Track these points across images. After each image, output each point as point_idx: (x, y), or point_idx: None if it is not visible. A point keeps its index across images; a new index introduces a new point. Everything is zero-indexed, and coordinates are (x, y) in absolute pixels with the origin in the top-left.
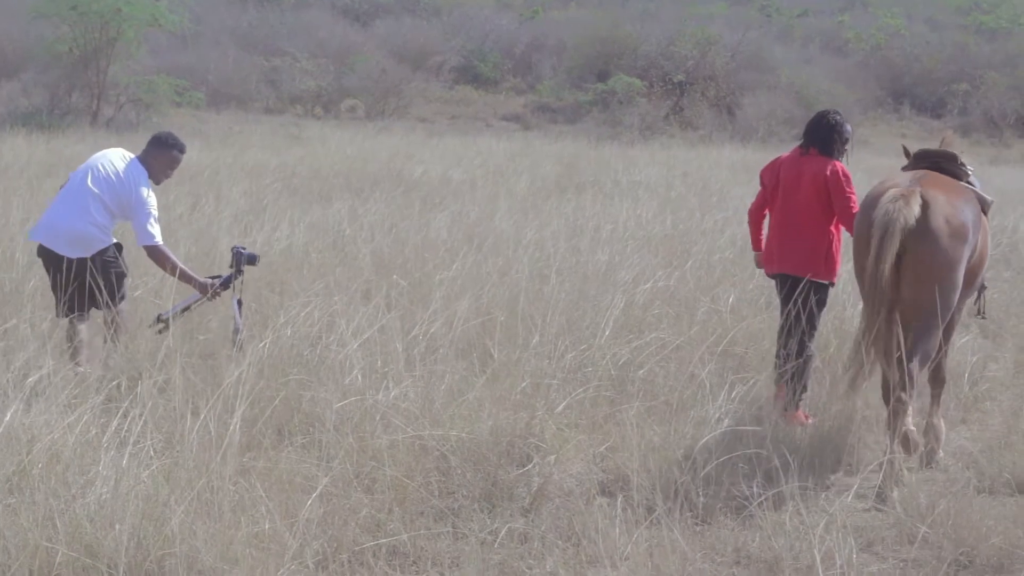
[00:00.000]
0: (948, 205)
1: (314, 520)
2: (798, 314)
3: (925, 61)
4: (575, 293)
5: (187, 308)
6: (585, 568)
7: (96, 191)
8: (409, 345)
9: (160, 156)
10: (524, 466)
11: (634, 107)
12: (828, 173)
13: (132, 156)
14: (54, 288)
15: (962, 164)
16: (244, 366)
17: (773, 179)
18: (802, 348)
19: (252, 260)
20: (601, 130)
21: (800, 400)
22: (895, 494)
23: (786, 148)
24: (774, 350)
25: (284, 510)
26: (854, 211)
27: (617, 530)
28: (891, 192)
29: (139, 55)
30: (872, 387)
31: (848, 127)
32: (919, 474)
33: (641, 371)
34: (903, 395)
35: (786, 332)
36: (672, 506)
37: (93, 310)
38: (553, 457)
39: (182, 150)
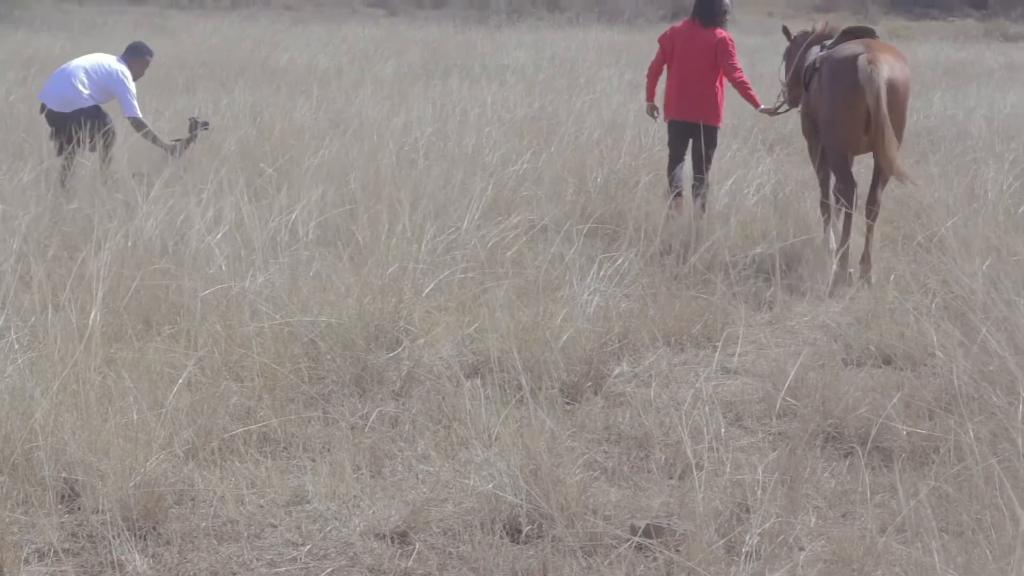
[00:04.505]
0: (898, 64)
1: (183, 409)
2: (697, 151)
3: None
4: (442, 178)
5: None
6: (456, 449)
7: (84, 67)
8: (273, 233)
9: (135, 61)
10: (393, 350)
11: None
12: (717, 40)
13: (115, 56)
14: (51, 136)
15: (876, 36)
16: (104, 257)
17: (670, 44)
18: (702, 178)
19: (205, 126)
20: (468, 14)
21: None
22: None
23: (652, 29)
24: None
25: (152, 400)
26: (737, 70)
27: (486, 411)
28: (863, 58)
29: None
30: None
31: (727, 1)
32: (787, 349)
33: (509, 253)
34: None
35: (679, 165)
36: (540, 386)
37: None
38: (422, 340)
39: (151, 55)
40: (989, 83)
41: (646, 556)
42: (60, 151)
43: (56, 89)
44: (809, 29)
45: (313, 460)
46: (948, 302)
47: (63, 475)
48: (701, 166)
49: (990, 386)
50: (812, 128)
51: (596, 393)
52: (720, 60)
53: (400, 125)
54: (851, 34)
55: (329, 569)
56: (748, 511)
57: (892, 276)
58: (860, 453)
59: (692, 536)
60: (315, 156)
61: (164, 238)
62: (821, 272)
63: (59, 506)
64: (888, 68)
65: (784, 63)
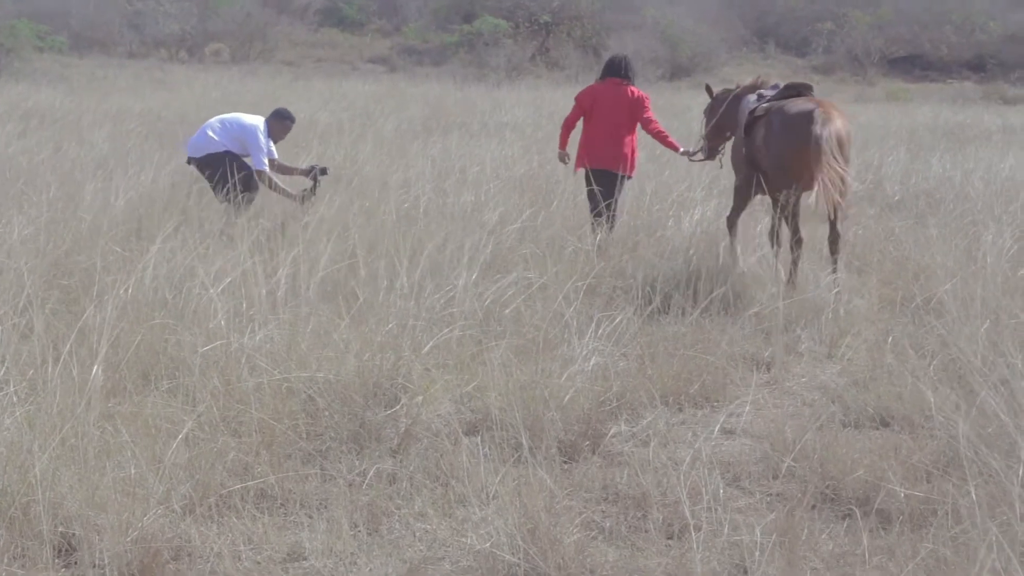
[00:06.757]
0: (843, 118)
1: (181, 464)
2: (610, 195)
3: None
4: (441, 235)
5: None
6: (453, 507)
7: (222, 119)
8: (273, 288)
9: (277, 124)
10: (391, 407)
11: (500, 48)
12: (636, 96)
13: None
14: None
15: (813, 91)
16: (107, 310)
17: (590, 101)
18: (615, 217)
19: (325, 172)
20: (467, 71)
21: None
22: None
23: (651, 88)
24: (631, 284)
25: (150, 455)
26: (654, 123)
27: (484, 469)
28: (818, 111)
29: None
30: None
31: (633, 64)
32: (785, 410)
33: (507, 311)
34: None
35: (598, 209)
36: (539, 444)
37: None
38: (420, 398)
39: (293, 121)
40: (988, 145)
41: None
42: (218, 196)
43: (193, 138)
44: (733, 87)
45: (310, 517)
46: (947, 364)
47: (60, 529)
48: (611, 203)
49: (988, 449)
50: (748, 170)
51: (594, 452)
52: (638, 115)
53: (400, 182)
54: (792, 89)
55: None
56: (746, 573)
57: (890, 338)
58: (858, 515)
59: None
60: (315, 212)
61: (164, 292)
62: (819, 333)
63: (56, 560)
64: (838, 122)
65: (704, 118)
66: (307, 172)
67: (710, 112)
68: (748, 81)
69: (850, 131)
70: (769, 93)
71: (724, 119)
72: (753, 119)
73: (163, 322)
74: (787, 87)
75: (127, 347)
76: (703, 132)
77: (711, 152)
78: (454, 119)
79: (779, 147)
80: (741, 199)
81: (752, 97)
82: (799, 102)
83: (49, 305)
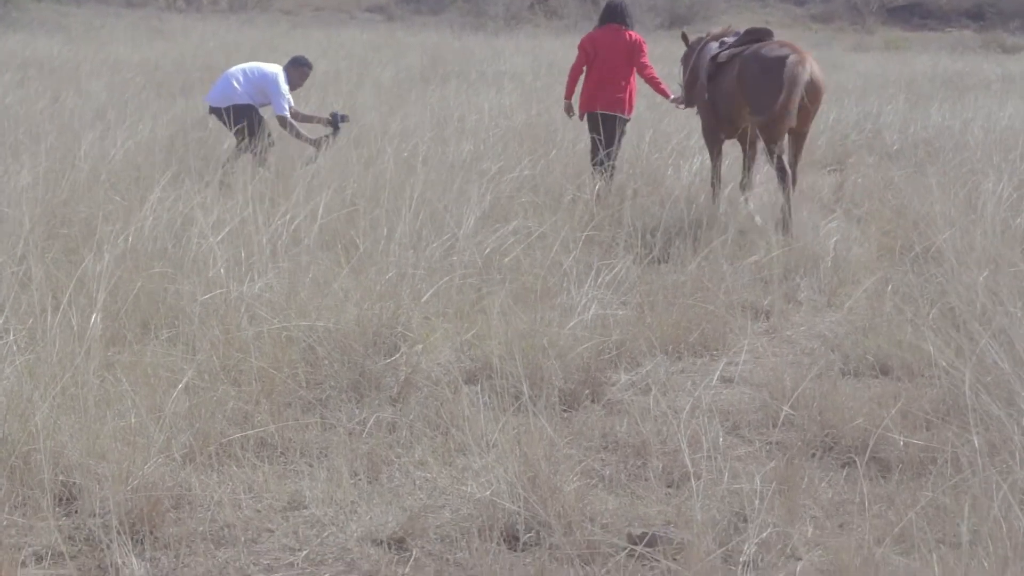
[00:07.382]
0: (817, 64)
1: (181, 413)
2: (610, 138)
3: None
4: (440, 184)
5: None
6: (454, 456)
7: (243, 68)
8: (273, 237)
9: (295, 70)
10: (391, 356)
11: None
12: (633, 41)
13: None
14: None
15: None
16: (106, 260)
17: (592, 47)
18: (613, 166)
19: (345, 119)
20: (465, 21)
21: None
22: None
23: (649, 36)
24: (631, 233)
25: (150, 404)
26: (648, 68)
27: (484, 418)
28: (792, 57)
29: None
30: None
31: (631, 8)
32: (784, 358)
33: (507, 259)
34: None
35: (599, 158)
36: (539, 393)
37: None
38: (420, 346)
39: (310, 67)
40: (987, 94)
41: (643, 565)
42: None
43: (215, 88)
44: (704, 35)
45: (310, 465)
46: (946, 313)
47: (61, 478)
48: (611, 152)
49: (988, 397)
50: (711, 115)
51: (594, 401)
52: (635, 58)
53: (398, 131)
54: (752, 34)
55: (326, 575)
56: (745, 520)
57: (890, 286)
58: (858, 463)
59: (689, 545)
60: (312, 161)
61: (164, 241)
62: (818, 282)
63: (57, 509)
64: (813, 67)
65: (681, 67)
66: (326, 120)
67: (685, 60)
68: (717, 30)
69: (824, 78)
70: (731, 40)
71: (695, 67)
72: (716, 65)
73: (162, 271)
74: (747, 32)
75: (126, 296)
76: (680, 81)
77: (689, 99)
78: (452, 68)
79: (757, 90)
80: (712, 143)
81: (714, 45)
82: (768, 45)
83: (49, 254)
